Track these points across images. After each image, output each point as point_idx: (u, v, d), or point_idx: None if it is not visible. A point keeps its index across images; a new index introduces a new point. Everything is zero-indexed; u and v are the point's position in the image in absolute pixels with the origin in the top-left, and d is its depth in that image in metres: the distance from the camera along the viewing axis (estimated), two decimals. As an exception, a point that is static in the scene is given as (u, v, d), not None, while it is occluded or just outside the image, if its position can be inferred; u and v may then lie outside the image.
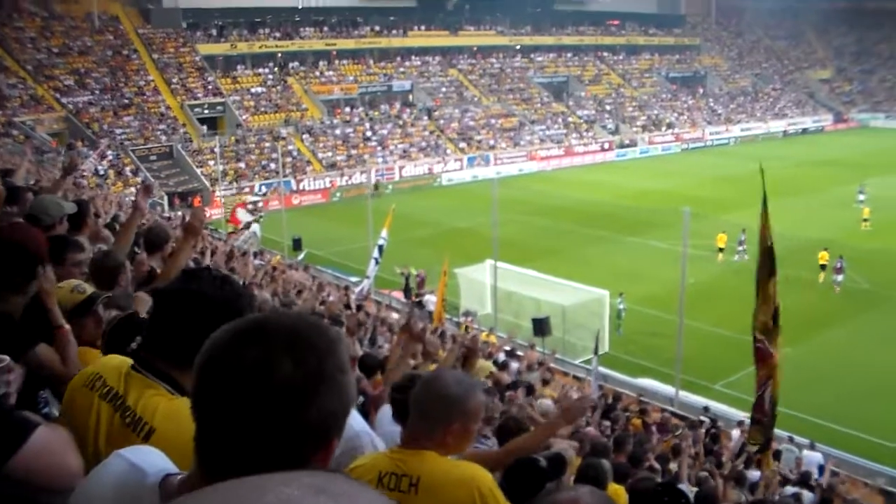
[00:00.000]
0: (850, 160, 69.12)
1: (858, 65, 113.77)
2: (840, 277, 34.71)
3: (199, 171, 56.89)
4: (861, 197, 50.65)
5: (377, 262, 30.02)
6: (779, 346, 11.90)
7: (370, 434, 4.10)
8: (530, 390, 14.66)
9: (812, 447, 17.73)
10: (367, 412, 5.70)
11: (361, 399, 6.28)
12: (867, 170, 62.62)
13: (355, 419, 4.12)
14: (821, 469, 16.32)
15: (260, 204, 48.73)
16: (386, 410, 5.03)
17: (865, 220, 44.82)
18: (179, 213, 43.36)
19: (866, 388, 25.60)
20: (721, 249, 39.15)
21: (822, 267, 35.39)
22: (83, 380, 2.86)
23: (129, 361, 2.82)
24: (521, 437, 6.08)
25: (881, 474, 17.68)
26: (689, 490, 9.88)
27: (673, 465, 12.00)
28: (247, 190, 55.93)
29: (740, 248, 38.68)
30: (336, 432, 1.69)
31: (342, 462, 3.53)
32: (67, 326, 3.89)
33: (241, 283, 3.26)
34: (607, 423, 14.31)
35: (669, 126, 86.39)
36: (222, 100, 65.73)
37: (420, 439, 3.35)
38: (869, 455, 19.89)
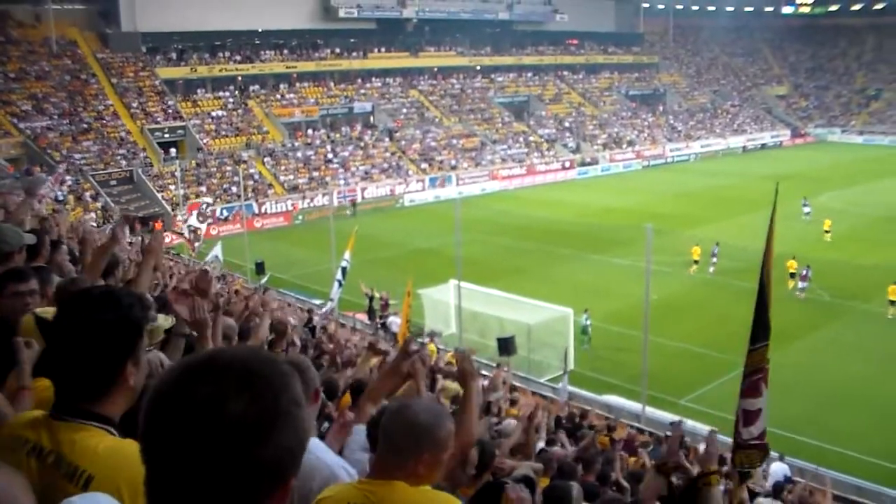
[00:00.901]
0: (809, 174, 69.96)
1: (813, 80, 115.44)
2: (803, 285, 35.67)
3: (159, 195, 56.47)
4: (806, 209, 51.61)
5: (340, 285, 29.90)
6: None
7: (344, 467, 4.01)
8: (488, 409, 14.57)
9: (781, 459, 17.81)
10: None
11: (327, 425, 6.17)
12: (825, 183, 63.48)
13: (325, 453, 4.02)
14: (786, 479, 16.38)
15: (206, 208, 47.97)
16: (357, 434, 4.92)
17: (827, 231, 45.36)
18: (139, 237, 42.92)
19: (830, 399, 25.85)
20: (696, 261, 39.78)
21: (792, 275, 36.13)
22: (1, 441, 2.73)
23: (40, 413, 2.72)
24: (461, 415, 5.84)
25: (847, 483, 17.78)
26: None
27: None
28: (209, 213, 55.56)
29: (713, 260, 39.27)
30: (293, 470, 1.64)
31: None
32: (31, 388, 3.78)
33: (128, 290, 3.17)
34: (573, 440, 14.26)
35: (630, 143, 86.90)
36: (183, 123, 65.40)
37: (389, 469, 3.25)
38: (834, 465, 20.03)
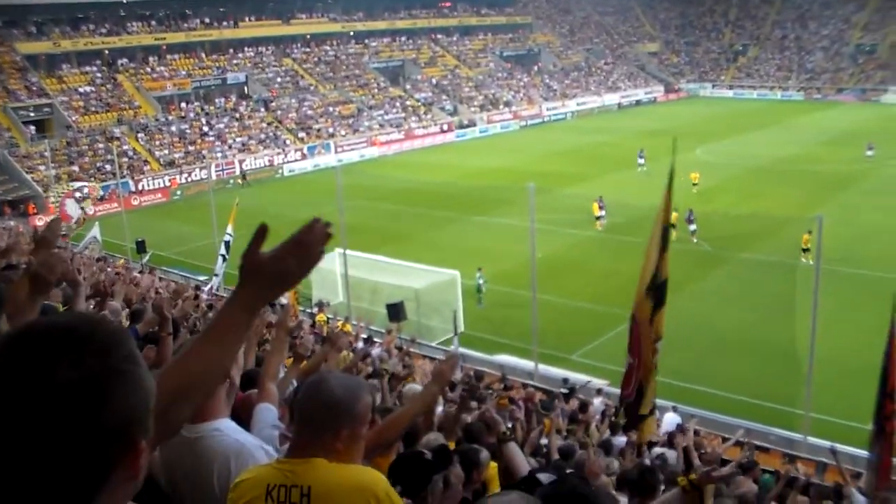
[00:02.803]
0: (682, 129, 71.43)
1: (684, 37, 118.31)
2: (694, 228, 37.10)
3: (29, 176, 54.52)
4: (641, 161, 53.88)
5: (225, 259, 29.49)
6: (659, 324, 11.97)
7: (263, 447, 3.86)
8: (393, 378, 14.48)
9: (674, 409, 18.21)
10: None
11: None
12: (698, 137, 64.90)
13: (242, 434, 3.88)
14: (679, 428, 16.74)
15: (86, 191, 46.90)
16: (264, 412, 4.76)
17: (695, 184, 46.08)
18: (12, 222, 41.52)
19: (716, 347, 26.58)
20: (598, 217, 40.54)
21: (673, 226, 36.94)
22: None
23: None
24: (401, 408, 5.95)
25: (738, 427, 18.27)
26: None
27: (544, 440, 12.06)
28: (87, 193, 54.00)
29: (602, 213, 40.04)
30: (140, 431, 1.51)
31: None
32: None
33: None
34: (474, 403, 14.25)
35: (507, 104, 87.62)
36: (49, 101, 63.19)
37: (308, 447, 3.14)
38: (723, 409, 20.63)
